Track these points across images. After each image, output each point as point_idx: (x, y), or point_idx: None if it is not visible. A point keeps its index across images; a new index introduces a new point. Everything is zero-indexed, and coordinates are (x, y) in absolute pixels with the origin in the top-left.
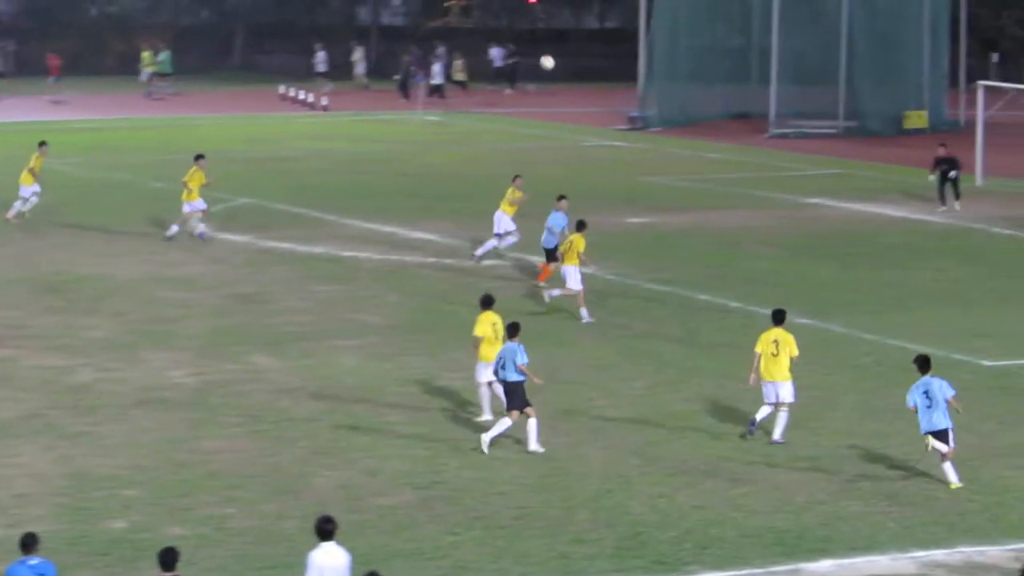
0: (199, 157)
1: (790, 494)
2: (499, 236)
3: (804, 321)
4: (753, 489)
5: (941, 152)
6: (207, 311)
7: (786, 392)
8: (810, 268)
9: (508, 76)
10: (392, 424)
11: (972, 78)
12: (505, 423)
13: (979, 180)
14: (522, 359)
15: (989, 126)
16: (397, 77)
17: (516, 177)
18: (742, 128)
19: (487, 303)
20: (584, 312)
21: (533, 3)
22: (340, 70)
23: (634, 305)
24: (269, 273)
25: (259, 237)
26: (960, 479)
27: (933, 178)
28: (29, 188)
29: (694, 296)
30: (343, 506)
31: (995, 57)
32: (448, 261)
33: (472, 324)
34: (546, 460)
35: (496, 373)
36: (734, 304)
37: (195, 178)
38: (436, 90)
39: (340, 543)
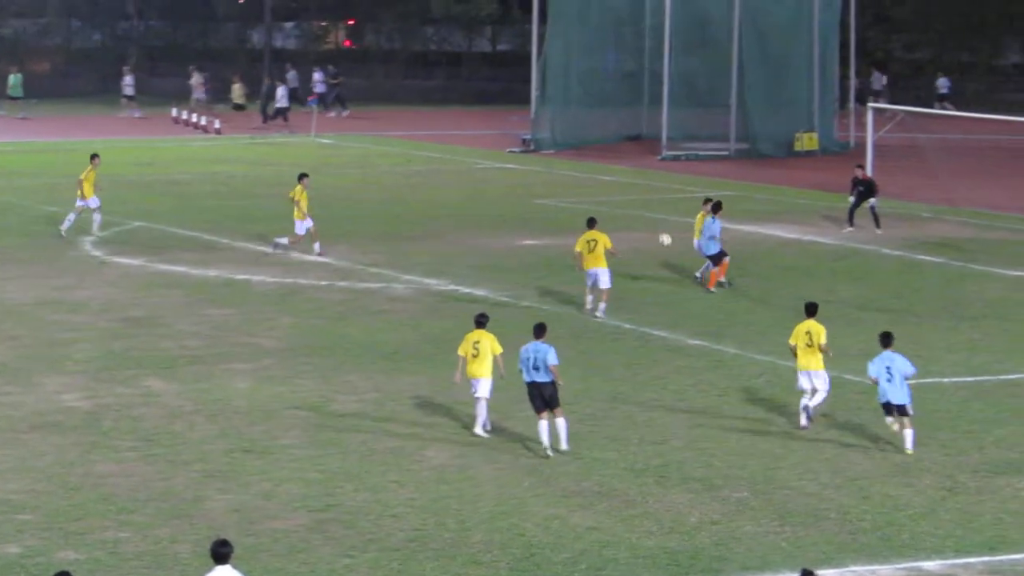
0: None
1: (683, 515)
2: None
3: (696, 342)
4: (646, 510)
5: (859, 174)
6: (100, 335)
7: (820, 381)
8: (703, 289)
9: (337, 99)
10: (286, 447)
11: (862, 100)
12: (543, 425)
13: (871, 200)
14: (553, 360)
15: (879, 148)
16: (258, 100)
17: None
18: (635, 150)
19: (478, 322)
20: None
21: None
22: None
23: (527, 326)
24: (162, 296)
25: (152, 260)
26: (915, 446)
27: (852, 199)
28: (87, 201)
29: (587, 318)
30: (237, 529)
31: (884, 80)
32: (342, 284)
33: (368, 346)
34: (439, 482)
35: (524, 373)
36: (628, 326)
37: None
38: (280, 113)
39: (235, 567)
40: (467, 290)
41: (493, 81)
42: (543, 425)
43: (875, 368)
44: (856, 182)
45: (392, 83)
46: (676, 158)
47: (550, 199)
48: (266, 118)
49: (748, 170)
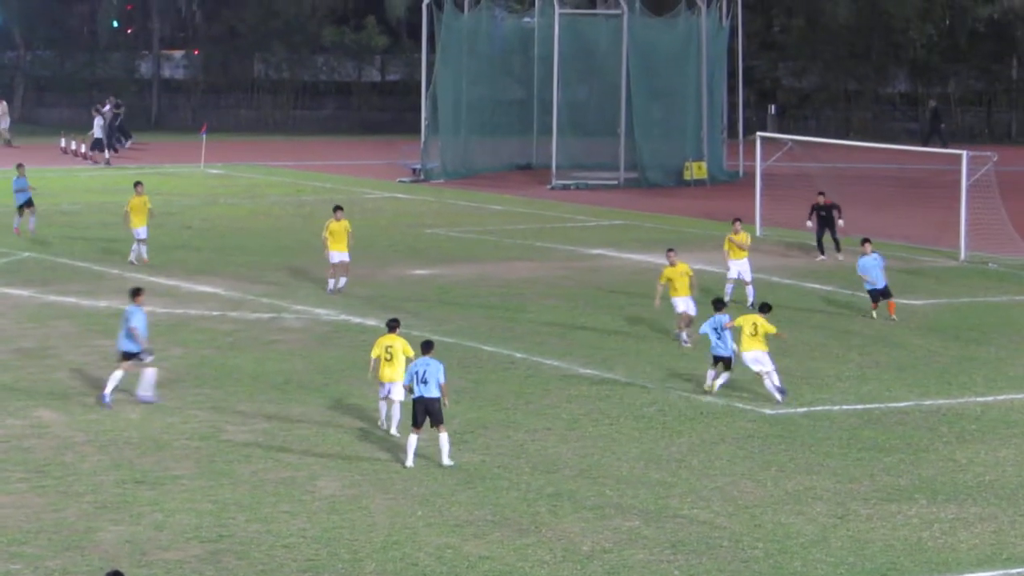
0: None
1: (576, 543)
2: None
3: (588, 371)
4: (539, 539)
5: (820, 200)
6: None
7: (766, 360)
8: (593, 318)
9: (119, 130)
10: (178, 478)
11: (750, 130)
12: (413, 440)
13: (758, 231)
14: (443, 377)
15: (767, 177)
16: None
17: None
18: (525, 180)
19: (390, 327)
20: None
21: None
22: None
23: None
24: (52, 327)
25: (41, 291)
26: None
27: (811, 224)
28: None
29: (479, 347)
30: (129, 560)
31: (772, 109)
32: (232, 314)
33: (259, 376)
34: (331, 512)
35: (411, 389)
36: (519, 355)
37: None
38: (97, 145)
39: None
40: (357, 320)
41: (383, 111)
42: (413, 440)
43: (704, 328)
44: (816, 208)
45: (281, 113)
46: (566, 187)
47: (440, 228)
48: (104, 148)
49: (637, 199)
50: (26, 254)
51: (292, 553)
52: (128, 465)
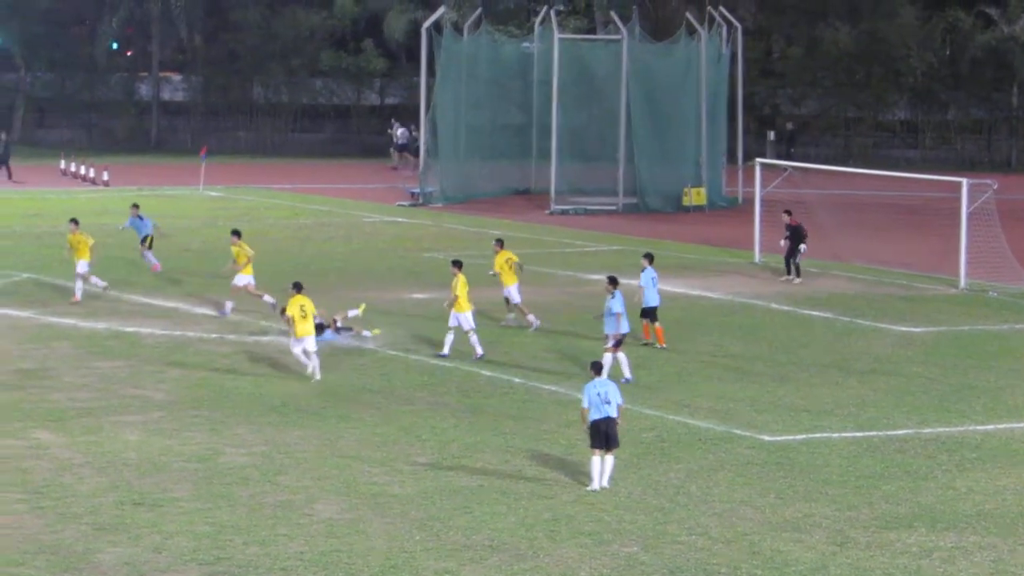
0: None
1: (573, 569)
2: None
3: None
4: (537, 564)
5: (786, 219)
6: None
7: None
8: (589, 343)
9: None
10: (176, 500)
11: (750, 156)
12: (597, 462)
13: (757, 257)
14: (622, 399)
15: (767, 203)
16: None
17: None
18: (524, 204)
19: (297, 287)
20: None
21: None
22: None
23: (417, 380)
24: (51, 348)
25: (40, 312)
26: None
27: (784, 243)
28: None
29: (478, 372)
30: None
31: (771, 135)
32: (231, 336)
33: (257, 399)
34: (329, 535)
35: (594, 410)
36: (517, 380)
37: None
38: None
39: None
40: (355, 344)
41: (382, 134)
42: (598, 462)
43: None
44: (789, 228)
45: (280, 136)
46: (564, 212)
47: (439, 252)
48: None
49: (636, 224)
50: (25, 275)
51: None
52: (126, 486)
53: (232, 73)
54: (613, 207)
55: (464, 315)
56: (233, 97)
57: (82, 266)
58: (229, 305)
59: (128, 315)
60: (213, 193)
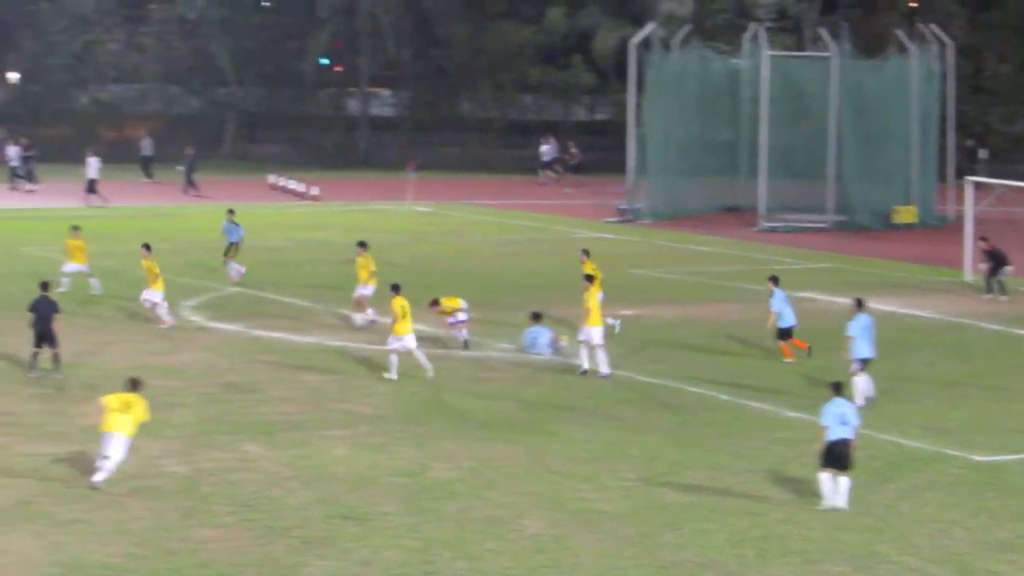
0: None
1: None
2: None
3: (795, 415)
4: None
5: (983, 245)
6: (198, 400)
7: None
8: (801, 362)
9: (29, 173)
10: (384, 514)
11: (960, 174)
12: (827, 479)
13: (968, 276)
14: (857, 420)
15: (978, 222)
16: (180, 168)
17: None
18: (731, 221)
19: (395, 289)
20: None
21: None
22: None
23: (626, 396)
24: (259, 362)
25: (250, 326)
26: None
27: (984, 267)
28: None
29: (684, 388)
30: None
31: (983, 153)
32: (438, 352)
33: (464, 412)
34: (536, 551)
35: (830, 430)
36: (724, 397)
37: (79, 245)
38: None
39: None
40: (561, 360)
41: (590, 150)
42: (828, 479)
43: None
44: (985, 253)
45: (488, 151)
46: (773, 229)
47: (646, 269)
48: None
49: (846, 242)
50: (234, 289)
51: None
52: (335, 500)
53: (440, 88)
54: (822, 224)
55: (595, 329)
56: (441, 112)
57: (156, 295)
58: (371, 312)
59: (335, 329)
60: (421, 208)
